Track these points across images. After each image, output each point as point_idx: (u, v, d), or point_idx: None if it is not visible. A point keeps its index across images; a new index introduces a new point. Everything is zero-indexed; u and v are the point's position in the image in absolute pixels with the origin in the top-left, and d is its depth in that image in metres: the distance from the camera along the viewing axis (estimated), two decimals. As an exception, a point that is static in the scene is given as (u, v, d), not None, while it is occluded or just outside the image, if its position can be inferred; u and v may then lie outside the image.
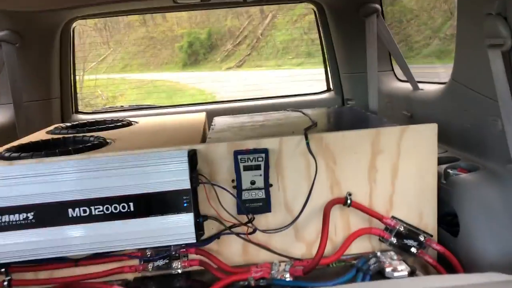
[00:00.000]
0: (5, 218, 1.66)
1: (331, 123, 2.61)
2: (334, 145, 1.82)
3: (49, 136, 2.37)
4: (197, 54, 17.30)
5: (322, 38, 3.78)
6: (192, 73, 16.24)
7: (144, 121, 2.80)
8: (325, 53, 3.83)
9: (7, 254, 1.68)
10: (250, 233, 1.79)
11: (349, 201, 1.81)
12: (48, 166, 1.69)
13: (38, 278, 1.81)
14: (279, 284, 1.65)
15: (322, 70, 3.98)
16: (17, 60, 2.97)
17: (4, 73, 2.94)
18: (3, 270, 1.76)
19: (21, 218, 1.66)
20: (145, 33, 16.75)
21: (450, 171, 1.97)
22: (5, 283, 1.76)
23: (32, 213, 1.66)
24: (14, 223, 1.66)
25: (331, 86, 3.88)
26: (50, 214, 1.67)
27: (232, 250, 1.86)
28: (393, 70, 3.35)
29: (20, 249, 1.67)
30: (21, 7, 2.85)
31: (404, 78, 3.03)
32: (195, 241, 1.72)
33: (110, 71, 15.66)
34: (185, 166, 1.68)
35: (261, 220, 1.83)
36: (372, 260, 1.70)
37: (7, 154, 1.93)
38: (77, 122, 2.88)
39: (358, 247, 1.85)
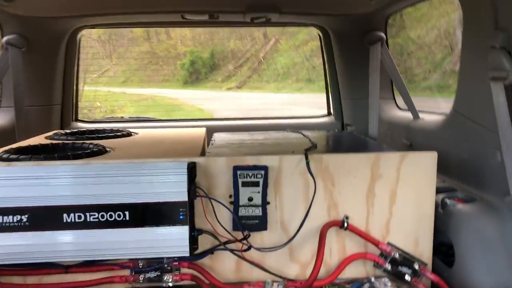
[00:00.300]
0: None
1: (330, 145, 2.61)
2: (333, 167, 1.82)
3: (48, 141, 2.36)
4: (198, 73, 17.46)
5: (326, 63, 3.82)
6: (192, 91, 16.36)
7: (144, 133, 2.80)
8: (328, 78, 3.86)
9: None
10: (245, 250, 1.77)
11: (346, 224, 1.80)
12: (46, 169, 1.68)
13: (27, 283, 1.78)
14: (271, 303, 1.63)
15: (320, 95, 4.01)
16: (22, 65, 2.98)
17: (8, 76, 2.95)
18: (-9, 272, 1.73)
19: (15, 220, 1.64)
20: (148, 48, 16.92)
21: (447, 201, 1.96)
22: None
23: (27, 216, 1.64)
24: (7, 224, 1.64)
25: (332, 111, 3.91)
26: (44, 218, 1.65)
27: (225, 266, 1.84)
28: (394, 98, 3.38)
29: (11, 252, 1.65)
30: (30, 12, 2.87)
31: (404, 107, 3.05)
32: (188, 254, 1.70)
33: (111, 84, 15.75)
34: (184, 178, 1.67)
35: (256, 238, 1.81)
36: (366, 286, 1.69)
37: (5, 156, 1.91)
38: (76, 130, 2.87)
39: (352, 271, 1.84)
